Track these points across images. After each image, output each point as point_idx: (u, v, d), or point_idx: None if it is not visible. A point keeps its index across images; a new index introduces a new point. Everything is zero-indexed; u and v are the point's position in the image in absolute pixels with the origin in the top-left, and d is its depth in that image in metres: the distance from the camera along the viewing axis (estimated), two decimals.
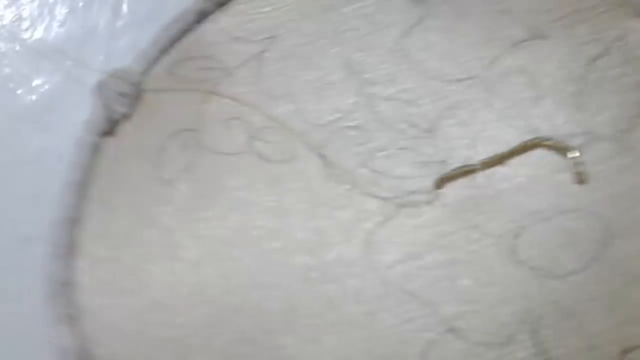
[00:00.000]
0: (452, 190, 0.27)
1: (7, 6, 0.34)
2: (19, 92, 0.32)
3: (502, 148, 0.27)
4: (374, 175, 0.27)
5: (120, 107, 0.30)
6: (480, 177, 0.27)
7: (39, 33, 0.33)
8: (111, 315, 0.26)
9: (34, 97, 0.32)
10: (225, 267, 0.26)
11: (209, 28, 0.29)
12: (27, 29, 0.34)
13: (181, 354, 0.25)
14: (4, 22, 0.33)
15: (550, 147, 0.26)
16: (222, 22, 0.29)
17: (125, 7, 0.33)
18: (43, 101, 0.32)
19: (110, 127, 0.30)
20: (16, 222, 0.30)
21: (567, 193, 0.25)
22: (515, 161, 0.27)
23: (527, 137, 0.27)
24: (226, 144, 0.29)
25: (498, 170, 0.27)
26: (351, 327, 0.24)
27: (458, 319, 0.24)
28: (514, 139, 0.27)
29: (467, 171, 0.27)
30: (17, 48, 0.33)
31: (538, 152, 0.27)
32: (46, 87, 0.32)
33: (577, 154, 0.26)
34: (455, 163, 0.27)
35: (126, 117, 0.30)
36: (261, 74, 0.29)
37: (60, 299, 0.27)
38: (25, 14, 0.33)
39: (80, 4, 0.33)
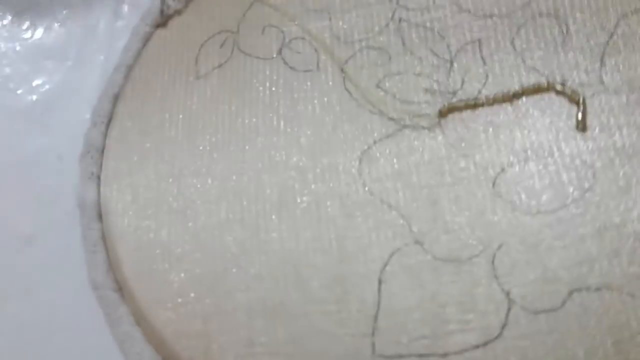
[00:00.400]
0: (454, 119, 0.28)
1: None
2: (19, 92, 0.32)
3: (514, 87, 0.27)
4: (386, 95, 0.29)
5: (175, 2, 0.33)
6: (485, 111, 0.27)
7: (39, 33, 0.33)
8: (130, 180, 0.30)
9: (34, 97, 0.32)
10: (234, 156, 0.29)
11: None
12: (27, 29, 0.33)
13: (182, 222, 0.28)
14: (4, 22, 0.34)
15: (559, 93, 0.27)
16: None
17: (125, 7, 0.33)
18: (43, 101, 0.32)
19: (162, 20, 0.33)
20: (16, 222, 0.30)
21: (563, 138, 0.26)
22: (523, 101, 0.27)
23: (541, 80, 0.27)
24: (259, 49, 0.31)
25: (504, 107, 0.27)
26: (329, 224, 0.26)
27: (426, 234, 0.25)
28: (527, 80, 0.27)
29: (473, 104, 0.27)
30: (18, 48, 0.33)
31: (547, 96, 0.27)
32: (46, 87, 0.32)
33: (583, 102, 0.26)
34: (464, 95, 0.28)
35: (178, 12, 0.33)
36: None
37: (90, 159, 0.31)
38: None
39: (81, 4, 0.33)
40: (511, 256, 0.24)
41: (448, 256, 0.25)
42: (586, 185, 0.25)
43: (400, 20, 0.30)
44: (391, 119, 0.28)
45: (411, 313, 0.24)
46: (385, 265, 0.25)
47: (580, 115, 0.26)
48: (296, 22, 0.31)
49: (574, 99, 0.26)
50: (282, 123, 0.29)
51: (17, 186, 0.31)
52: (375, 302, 0.24)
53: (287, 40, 0.31)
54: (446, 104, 0.27)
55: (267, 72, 0.30)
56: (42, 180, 0.30)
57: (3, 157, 0.32)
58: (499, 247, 0.24)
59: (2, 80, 0.33)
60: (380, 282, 0.25)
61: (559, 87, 0.26)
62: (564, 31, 0.28)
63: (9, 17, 0.34)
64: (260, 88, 0.30)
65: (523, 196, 0.25)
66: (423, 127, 0.27)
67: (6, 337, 0.28)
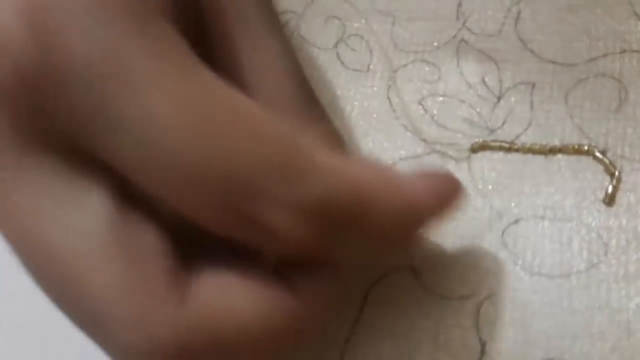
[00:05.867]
0: (484, 158, 0.27)
1: None
2: None
3: (554, 141, 0.27)
4: (424, 114, 0.29)
5: None
6: (517, 157, 0.27)
7: None
8: None
9: None
10: None
11: None
12: None
13: None
14: None
15: (597, 160, 0.26)
16: None
17: None
18: None
19: None
20: None
21: (587, 207, 0.25)
22: (558, 157, 0.27)
23: (583, 141, 0.27)
24: (317, 38, 0.32)
25: (537, 158, 0.27)
26: None
27: (424, 263, 0.26)
28: (569, 138, 0.27)
29: (507, 147, 0.27)
30: None
31: (585, 159, 0.26)
32: None
33: (618, 176, 0.25)
34: (502, 135, 0.28)
35: None
36: None
37: None
38: None
39: None
40: (497, 308, 0.24)
41: (438, 290, 0.25)
42: (595, 260, 0.24)
43: (461, 40, 0.30)
44: (423, 140, 0.28)
45: (385, 339, 0.24)
46: (374, 284, 0.25)
47: (610, 189, 0.25)
48: (361, 18, 0.31)
49: (610, 171, 0.26)
50: None
51: None
52: (354, 320, 0.25)
53: (346, 35, 0.31)
54: (481, 140, 0.27)
55: (319, 63, 0.31)
56: None
57: None
58: (489, 296, 0.25)
59: None
60: (365, 299, 0.25)
61: (598, 155, 0.26)
62: (622, 97, 0.27)
63: None
64: (307, 77, 0.30)
65: (528, 253, 0.25)
66: (452, 157, 0.27)
67: (6, 337, 0.28)
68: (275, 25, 0.22)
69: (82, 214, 0.17)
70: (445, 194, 0.21)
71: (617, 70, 0.28)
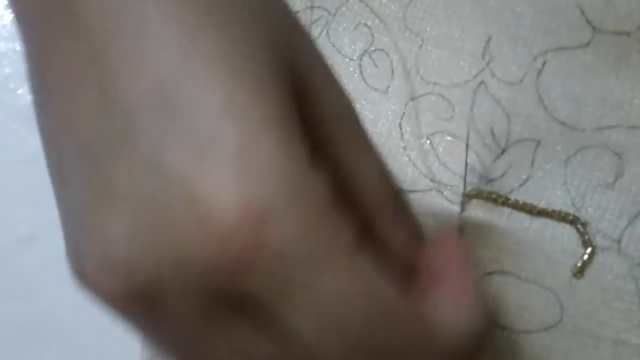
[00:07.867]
0: (478, 206, 0.29)
1: (7, 6, 0.34)
2: (19, 92, 0.33)
3: (544, 203, 0.29)
4: (430, 150, 0.30)
5: None
6: (507, 212, 0.29)
7: None
8: None
9: None
10: None
11: None
12: None
13: None
14: (5, 22, 0.34)
15: (578, 232, 0.28)
16: None
17: None
18: None
19: None
20: (16, 222, 0.30)
21: (556, 273, 0.28)
22: (543, 221, 0.29)
23: (570, 211, 0.28)
24: (344, 44, 0.32)
25: (524, 217, 0.29)
26: None
27: None
28: (558, 204, 0.29)
29: (500, 201, 0.29)
30: (18, 48, 0.32)
31: (566, 228, 0.28)
32: None
33: (591, 252, 0.28)
34: (499, 186, 0.29)
35: None
36: (412, 3, 0.32)
37: None
38: None
39: None
40: None
41: None
42: (549, 323, 0.27)
43: (481, 83, 0.31)
44: (425, 176, 0.30)
45: None
46: None
47: (581, 263, 0.27)
48: (389, 33, 0.32)
49: (586, 245, 0.28)
50: None
51: (17, 186, 0.32)
52: None
53: (372, 47, 0.32)
54: (475, 190, 0.29)
55: (340, 72, 0.32)
56: (42, 180, 0.31)
57: (3, 157, 0.33)
58: None
59: (2, 80, 0.34)
60: None
61: (580, 227, 0.28)
62: (617, 174, 0.28)
63: (9, 17, 0.34)
64: None
65: (491, 305, 0.28)
66: (446, 198, 0.29)
67: (6, 337, 0.30)
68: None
69: None
70: None
71: (620, 145, 0.29)
